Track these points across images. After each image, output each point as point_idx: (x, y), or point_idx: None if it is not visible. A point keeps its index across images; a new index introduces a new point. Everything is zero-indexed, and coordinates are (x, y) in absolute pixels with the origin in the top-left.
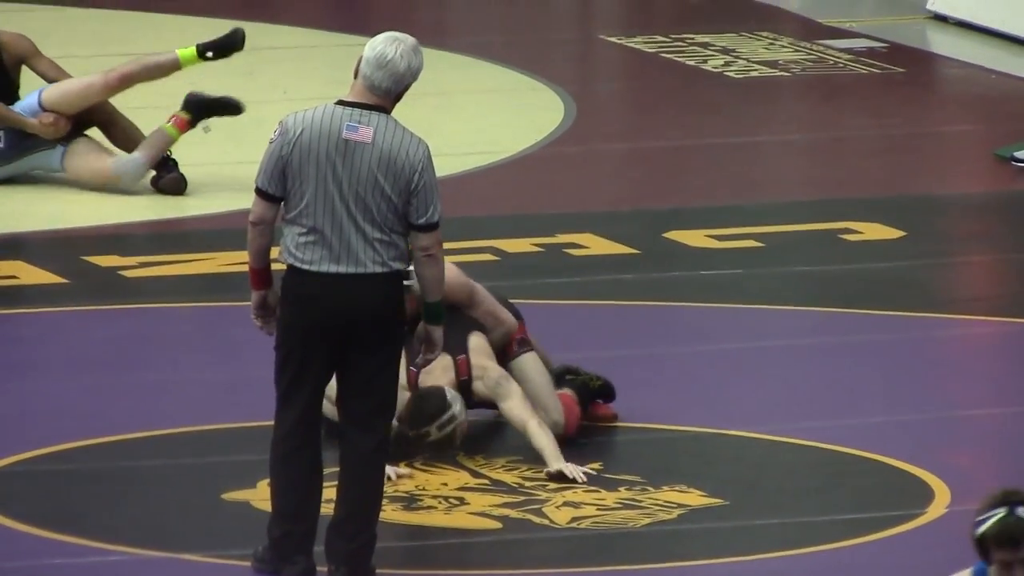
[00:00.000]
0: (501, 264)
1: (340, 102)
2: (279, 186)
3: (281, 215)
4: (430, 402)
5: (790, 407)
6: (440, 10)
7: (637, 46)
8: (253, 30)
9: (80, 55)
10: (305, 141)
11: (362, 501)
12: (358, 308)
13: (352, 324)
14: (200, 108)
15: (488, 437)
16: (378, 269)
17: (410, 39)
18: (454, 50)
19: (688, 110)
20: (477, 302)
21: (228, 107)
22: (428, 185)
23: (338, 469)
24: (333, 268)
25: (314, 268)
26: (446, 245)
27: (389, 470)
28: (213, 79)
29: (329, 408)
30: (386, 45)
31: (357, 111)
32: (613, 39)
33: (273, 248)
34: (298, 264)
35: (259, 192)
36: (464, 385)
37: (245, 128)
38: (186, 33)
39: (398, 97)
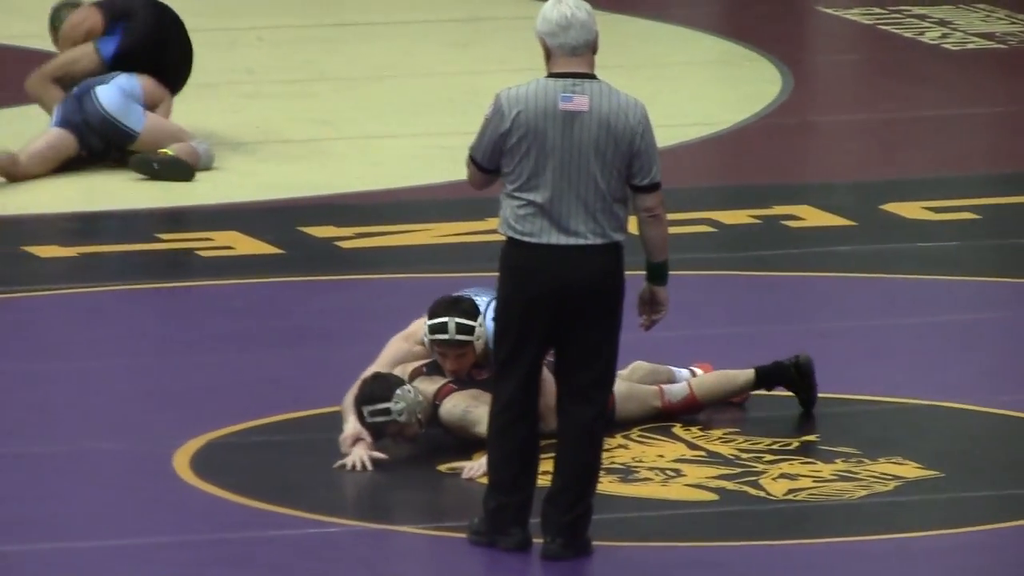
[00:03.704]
0: (718, 235)
1: (550, 75)
2: (496, 162)
3: (500, 189)
4: (375, 386)
5: (1006, 379)
6: None
7: (855, 18)
8: (470, 1)
9: None
10: (523, 117)
11: (579, 473)
12: (577, 280)
13: (570, 296)
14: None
15: (705, 410)
16: (597, 240)
17: None
18: (672, 21)
19: (905, 82)
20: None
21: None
22: (649, 145)
23: (555, 441)
24: (552, 240)
25: (533, 240)
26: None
27: (359, 456)
28: (430, 50)
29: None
30: (556, 9)
31: (569, 81)
32: (831, 11)
33: (492, 220)
34: (517, 236)
35: (475, 163)
36: (433, 408)
37: (461, 98)
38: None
39: (596, 49)
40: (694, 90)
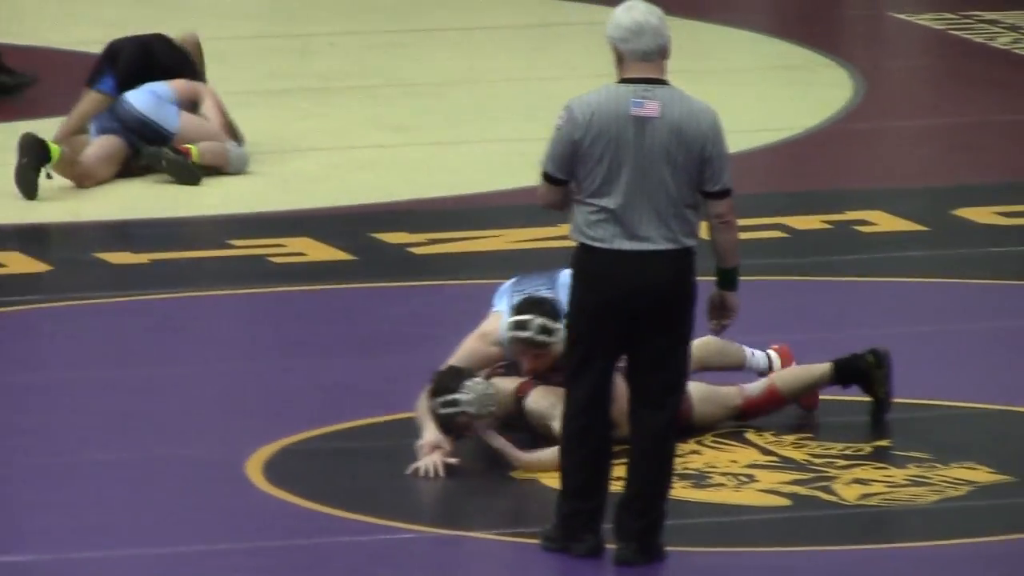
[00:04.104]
0: (790, 241)
1: (622, 80)
2: (568, 171)
3: (572, 195)
4: (444, 377)
5: None
6: None
7: (925, 23)
8: (544, 6)
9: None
10: (595, 123)
11: (652, 478)
12: (648, 286)
13: (642, 302)
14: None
15: (777, 414)
16: (668, 246)
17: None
18: (743, 27)
19: (975, 87)
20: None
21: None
22: (720, 151)
23: (627, 447)
24: (624, 245)
25: (604, 246)
26: (738, 222)
27: (432, 461)
28: (503, 56)
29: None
30: (628, 15)
31: (640, 87)
32: (902, 16)
33: (565, 226)
34: (589, 242)
35: (548, 178)
36: (516, 403)
37: (534, 105)
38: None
39: (667, 54)
40: (765, 95)
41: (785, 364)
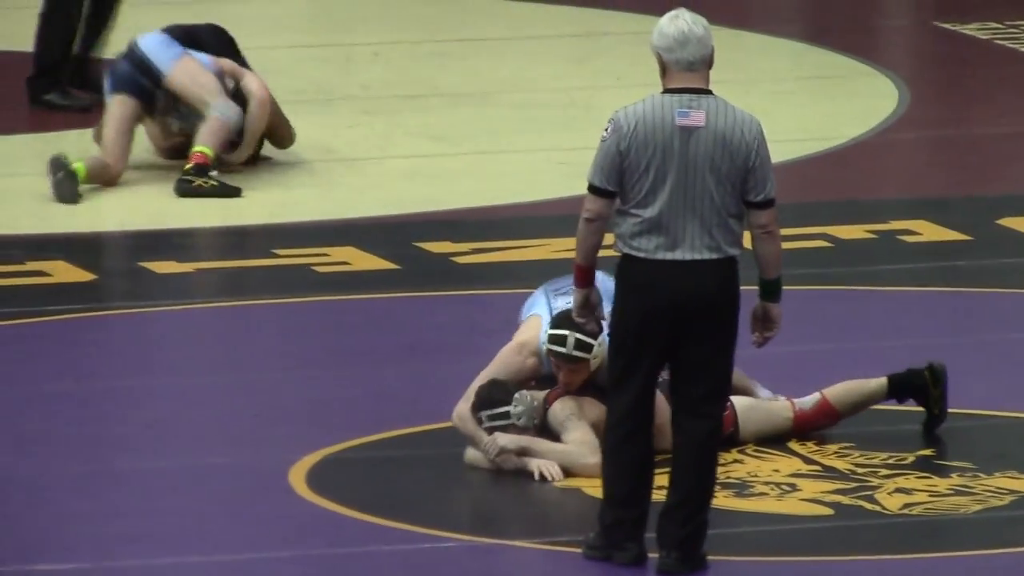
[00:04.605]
0: (835, 250)
1: (666, 91)
2: (616, 182)
3: (616, 206)
4: (493, 390)
5: None
6: None
7: (971, 32)
8: (588, 15)
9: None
10: (641, 134)
11: (695, 487)
12: (692, 295)
13: (685, 311)
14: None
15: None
16: (713, 255)
17: (678, 9)
18: (788, 36)
19: (1021, 97)
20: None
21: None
22: (764, 161)
23: (670, 456)
24: (668, 255)
25: (649, 256)
26: (782, 232)
27: (539, 466)
28: (546, 66)
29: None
30: (673, 24)
31: (686, 97)
32: (948, 25)
33: (608, 236)
34: (633, 252)
35: (595, 190)
36: (544, 411)
37: (577, 115)
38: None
39: (711, 64)
40: (810, 105)
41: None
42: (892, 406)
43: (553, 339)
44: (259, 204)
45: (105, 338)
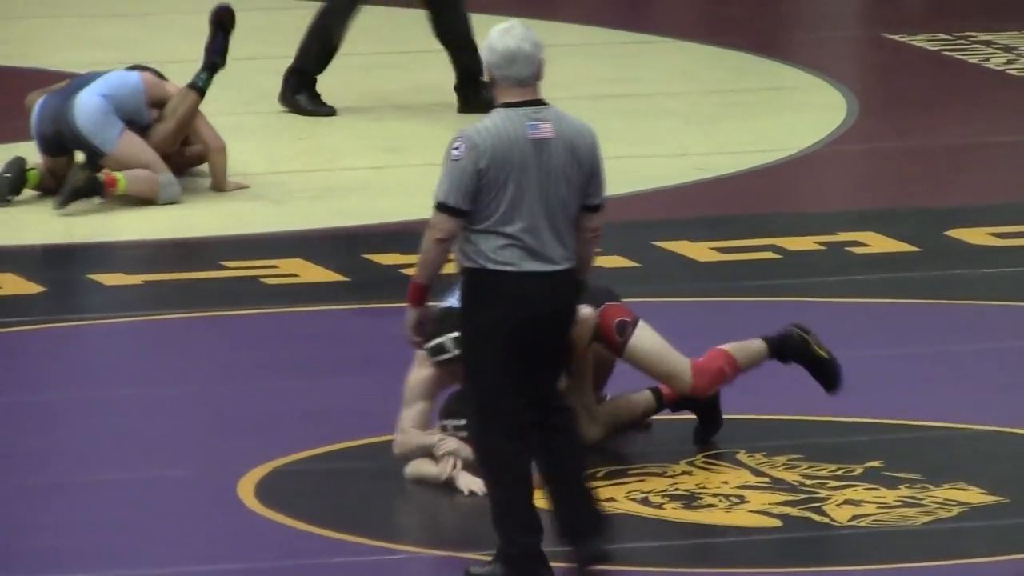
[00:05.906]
0: (783, 262)
1: (505, 105)
2: (471, 201)
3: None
4: (458, 403)
5: None
6: (722, 6)
7: (920, 44)
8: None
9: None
10: (499, 150)
11: (578, 471)
12: (554, 304)
13: (547, 320)
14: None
15: (768, 435)
16: (567, 264)
17: (511, 22)
18: (737, 48)
19: (970, 108)
20: None
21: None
22: (601, 165)
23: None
24: (532, 267)
25: (514, 269)
26: (730, 243)
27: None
28: None
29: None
30: (502, 42)
31: (529, 110)
32: (896, 37)
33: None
34: (500, 267)
35: (449, 210)
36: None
37: None
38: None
39: (541, 76)
40: (759, 116)
41: (701, 373)
42: (841, 416)
43: (434, 351)
44: (207, 216)
45: (54, 350)
